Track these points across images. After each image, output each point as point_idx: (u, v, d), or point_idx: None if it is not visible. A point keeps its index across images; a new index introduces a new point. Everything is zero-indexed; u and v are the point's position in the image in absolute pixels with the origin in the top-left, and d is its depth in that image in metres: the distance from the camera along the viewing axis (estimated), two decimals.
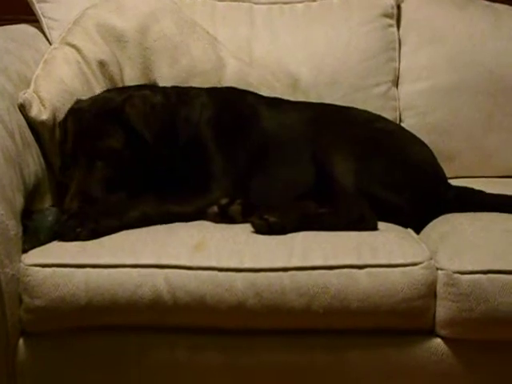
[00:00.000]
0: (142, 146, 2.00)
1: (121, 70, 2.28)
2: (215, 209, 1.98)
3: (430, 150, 2.22)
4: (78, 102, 2.08)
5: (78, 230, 1.85)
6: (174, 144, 2.06)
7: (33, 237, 1.84)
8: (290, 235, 1.86)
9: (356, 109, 2.32)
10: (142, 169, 2.01)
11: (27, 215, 1.87)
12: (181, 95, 2.17)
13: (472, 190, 2.14)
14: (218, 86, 2.33)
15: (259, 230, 1.87)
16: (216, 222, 1.96)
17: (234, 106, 2.21)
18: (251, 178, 2.10)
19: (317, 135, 2.12)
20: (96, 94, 2.18)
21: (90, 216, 1.88)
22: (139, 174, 2.01)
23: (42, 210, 1.93)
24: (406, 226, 1.99)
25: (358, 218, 1.93)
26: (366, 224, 1.92)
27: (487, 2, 2.63)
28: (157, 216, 1.94)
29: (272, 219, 1.87)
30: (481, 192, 2.13)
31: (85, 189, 1.96)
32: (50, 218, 1.89)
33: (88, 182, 1.96)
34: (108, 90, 2.18)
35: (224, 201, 1.98)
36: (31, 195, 1.92)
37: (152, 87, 2.20)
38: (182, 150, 2.07)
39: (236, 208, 1.97)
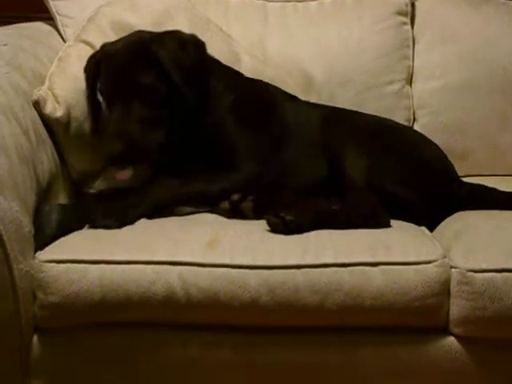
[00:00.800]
0: (173, 86, 2.01)
1: None
2: (226, 204, 1.98)
3: (440, 149, 2.22)
4: (105, 45, 2.11)
5: (107, 221, 1.87)
6: (202, 94, 2.07)
7: (37, 235, 1.84)
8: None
9: (367, 114, 2.32)
10: (175, 111, 2.02)
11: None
12: (212, 61, 2.20)
13: (485, 187, 2.14)
14: None
15: (275, 229, 1.86)
16: (227, 217, 1.97)
17: (258, 92, 2.23)
18: (268, 164, 2.10)
19: (330, 131, 2.13)
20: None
21: (118, 205, 1.90)
22: (173, 117, 2.02)
23: (45, 208, 1.90)
24: (418, 223, 1.99)
25: (369, 214, 1.93)
26: (377, 220, 1.93)
27: (502, 0, 2.62)
28: (182, 195, 1.97)
29: (288, 217, 1.85)
30: (494, 189, 2.13)
31: (124, 128, 1.97)
32: (53, 216, 1.88)
33: (127, 121, 1.97)
34: (139, 31, 2.18)
35: (236, 197, 1.98)
36: (45, 193, 1.93)
37: None
38: (208, 126, 2.08)
39: (247, 205, 1.97)
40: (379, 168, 2.03)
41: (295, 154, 2.13)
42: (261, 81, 2.30)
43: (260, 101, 2.21)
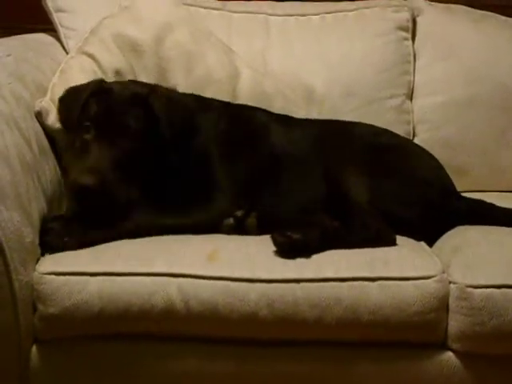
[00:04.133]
0: (159, 138, 1.99)
1: (136, 79, 2.29)
2: (231, 221, 1.97)
3: (438, 162, 2.23)
4: (99, 83, 2.08)
5: (66, 239, 1.84)
6: (187, 145, 2.06)
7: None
8: None
9: (362, 123, 2.31)
10: (153, 161, 2.00)
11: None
12: (199, 102, 2.19)
13: (483, 202, 2.14)
14: (233, 94, 2.34)
15: (282, 249, 1.82)
16: (230, 233, 1.96)
17: (245, 121, 2.22)
18: (261, 192, 2.09)
19: (326, 153, 2.12)
20: None
21: (78, 225, 1.87)
22: (151, 166, 2.00)
23: None
24: (418, 238, 1.99)
25: (375, 234, 1.92)
26: (383, 240, 1.92)
27: (503, 17, 2.63)
28: (151, 229, 1.92)
29: (295, 236, 1.83)
30: (492, 205, 2.13)
31: (100, 165, 1.91)
32: None
33: (104, 158, 1.92)
34: (132, 81, 2.19)
35: (239, 213, 1.98)
36: (49, 203, 1.93)
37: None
38: (189, 160, 2.07)
39: (252, 221, 1.98)
40: (379, 188, 2.02)
41: (289, 179, 2.12)
42: (251, 108, 2.28)
43: (248, 131, 2.19)
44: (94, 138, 1.95)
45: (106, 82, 2.10)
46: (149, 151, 1.99)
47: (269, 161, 2.14)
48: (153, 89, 2.08)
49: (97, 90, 2.03)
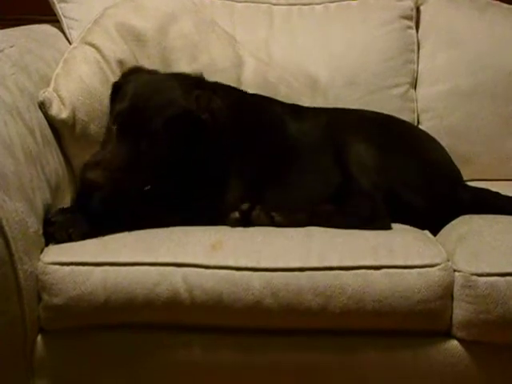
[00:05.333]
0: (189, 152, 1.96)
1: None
2: (237, 214, 1.97)
3: (445, 150, 2.23)
4: (130, 75, 2.06)
5: (70, 230, 1.84)
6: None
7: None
8: (306, 236, 1.87)
9: (368, 111, 2.31)
10: (174, 173, 1.96)
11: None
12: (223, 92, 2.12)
13: (489, 191, 2.14)
14: (237, 83, 2.33)
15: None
16: (236, 226, 1.95)
17: (259, 111, 2.19)
18: (268, 184, 2.07)
19: (337, 133, 2.12)
20: None
21: (83, 217, 1.87)
22: (170, 176, 1.95)
23: None
24: (422, 226, 1.99)
25: (368, 216, 1.94)
26: (376, 222, 1.94)
27: (507, 5, 2.63)
28: (157, 225, 1.91)
29: (277, 218, 1.90)
30: (498, 194, 2.13)
31: (111, 161, 1.87)
32: None
33: (119, 156, 1.88)
34: (174, 75, 2.12)
35: (245, 206, 1.97)
36: (53, 193, 1.93)
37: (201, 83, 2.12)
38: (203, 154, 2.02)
39: (257, 213, 1.96)
40: (385, 170, 2.02)
41: (298, 170, 2.10)
42: (263, 100, 2.24)
43: (260, 121, 2.15)
44: (117, 133, 1.92)
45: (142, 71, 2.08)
46: (173, 155, 1.94)
47: (279, 153, 2.12)
48: (203, 101, 1.99)
49: (137, 83, 2.00)
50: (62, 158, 2.05)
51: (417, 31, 2.56)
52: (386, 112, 2.34)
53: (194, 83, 2.07)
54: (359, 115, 2.25)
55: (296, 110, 2.26)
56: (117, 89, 2.06)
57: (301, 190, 2.08)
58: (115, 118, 1.96)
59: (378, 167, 2.02)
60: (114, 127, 1.94)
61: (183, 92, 1.99)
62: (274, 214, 1.91)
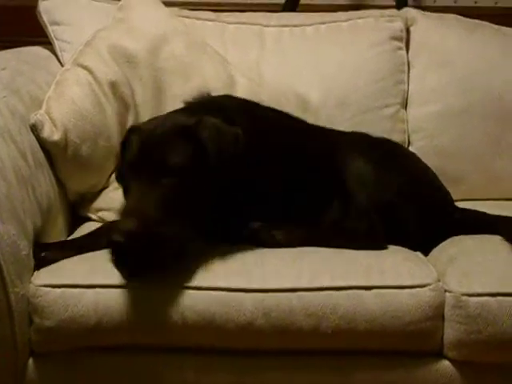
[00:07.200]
0: (206, 171, 1.82)
1: (132, 90, 2.30)
2: (246, 233, 1.92)
3: (435, 173, 2.25)
4: (136, 126, 1.97)
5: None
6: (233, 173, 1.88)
7: None
8: (298, 256, 1.87)
9: (358, 132, 2.32)
10: (201, 196, 1.83)
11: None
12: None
13: (476, 211, 2.16)
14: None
15: (262, 245, 1.90)
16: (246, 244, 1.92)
17: (281, 133, 2.11)
18: (292, 203, 2.03)
19: (339, 153, 2.12)
20: (109, 115, 2.19)
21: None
22: (198, 201, 1.83)
23: None
24: (414, 246, 1.99)
25: (364, 235, 1.95)
26: (373, 242, 1.94)
27: (496, 26, 2.64)
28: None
29: (278, 237, 1.90)
30: (485, 213, 2.15)
31: (144, 207, 1.74)
32: None
33: (149, 200, 1.74)
34: (174, 111, 2.04)
35: (256, 225, 1.93)
36: (45, 215, 1.93)
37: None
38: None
39: (266, 232, 1.94)
40: (383, 182, 2.04)
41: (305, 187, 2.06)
42: (289, 120, 2.21)
43: (280, 144, 2.06)
44: (133, 179, 1.80)
45: (138, 124, 1.99)
46: (199, 184, 1.82)
47: (299, 171, 2.07)
48: (200, 119, 1.86)
49: (134, 131, 1.89)
50: (54, 181, 2.05)
51: (407, 52, 2.57)
52: (376, 132, 2.34)
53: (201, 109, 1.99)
54: (348, 137, 2.25)
55: (304, 131, 2.23)
56: (123, 145, 1.93)
57: (301, 207, 2.07)
58: (129, 168, 1.84)
59: (373, 187, 2.03)
60: (131, 178, 1.82)
61: (186, 117, 1.91)
62: (274, 232, 1.91)
